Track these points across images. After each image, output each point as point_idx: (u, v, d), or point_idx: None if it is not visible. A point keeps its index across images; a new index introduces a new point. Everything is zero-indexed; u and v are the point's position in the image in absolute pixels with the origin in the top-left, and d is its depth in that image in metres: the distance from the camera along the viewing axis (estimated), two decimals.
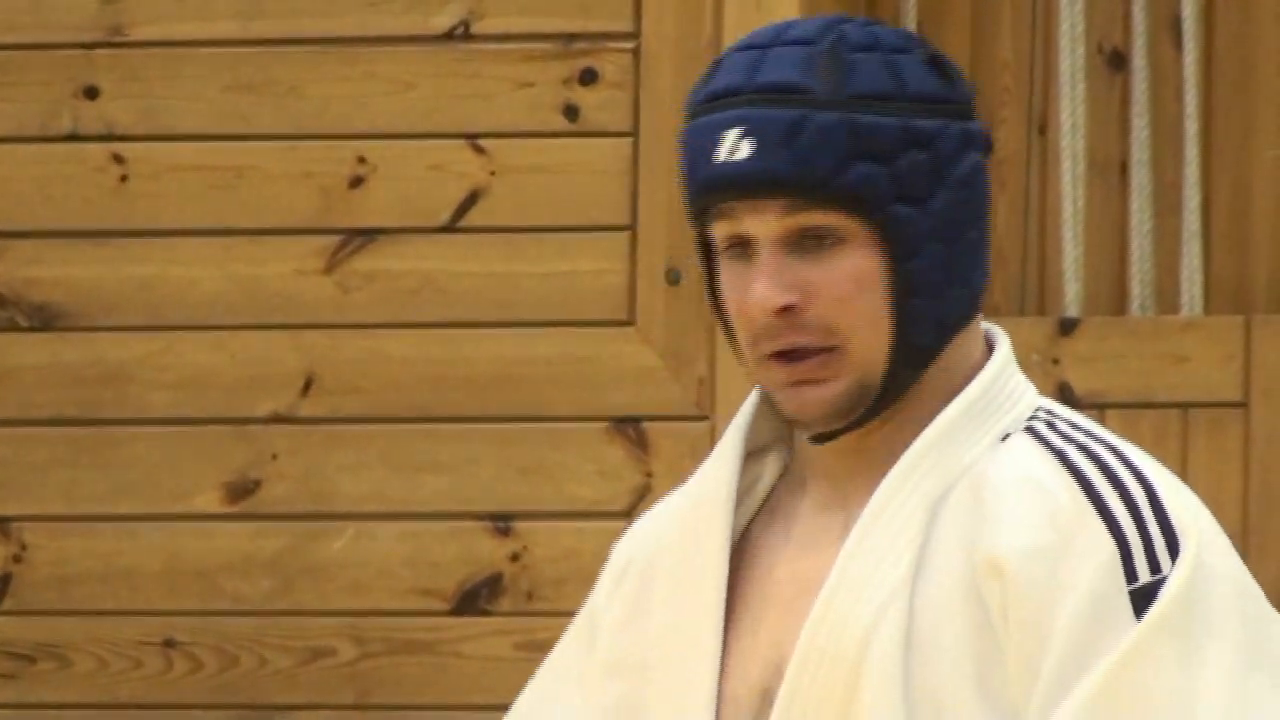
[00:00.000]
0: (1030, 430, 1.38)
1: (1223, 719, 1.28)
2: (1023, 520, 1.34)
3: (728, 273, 1.44)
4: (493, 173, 3.73)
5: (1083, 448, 1.35)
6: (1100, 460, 1.36)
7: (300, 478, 3.73)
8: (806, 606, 1.40)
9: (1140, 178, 3.85)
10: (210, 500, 3.72)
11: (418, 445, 3.71)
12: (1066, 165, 3.83)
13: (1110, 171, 3.88)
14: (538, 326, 3.61)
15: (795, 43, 1.44)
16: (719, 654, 1.47)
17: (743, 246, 1.43)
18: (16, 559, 3.73)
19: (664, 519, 1.57)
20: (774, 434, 1.52)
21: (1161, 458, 3.98)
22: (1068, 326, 3.76)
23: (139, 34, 3.77)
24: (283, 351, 3.74)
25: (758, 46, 1.45)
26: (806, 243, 1.42)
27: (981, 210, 1.48)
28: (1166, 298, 3.81)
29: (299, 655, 3.67)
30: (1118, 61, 3.85)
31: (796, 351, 1.41)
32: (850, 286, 1.41)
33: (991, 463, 1.35)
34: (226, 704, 3.69)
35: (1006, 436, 1.37)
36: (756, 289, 1.41)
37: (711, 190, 1.42)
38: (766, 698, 1.41)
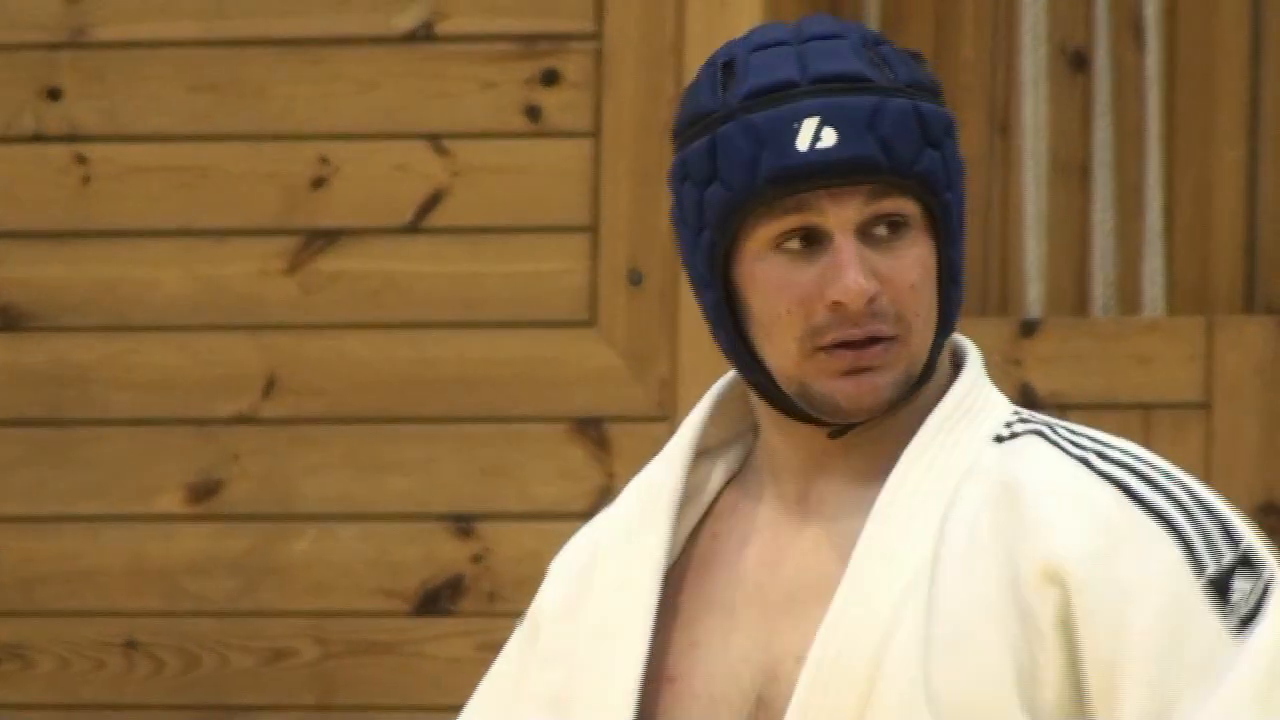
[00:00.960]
0: (1040, 435, 1.40)
1: None
2: (1074, 526, 1.35)
3: (778, 268, 1.44)
4: (455, 173, 3.73)
5: (1101, 454, 1.37)
6: (1125, 464, 1.39)
7: (263, 478, 3.73)
8: (803, 610, 1.41)
9: (1102, 179, 3.87)
10: (173, 501, 3.71)
11: (380, 446, 3.71)
12: (1029, 166, 3.85)
13: (1072, 172, 3.89)
14: (500, 327, 3.61)
15: (827, 37, 1.46)
16: (645, 649, 1.49)
17: (807, 240, 1.44)
18: None
19: (608, 521, 1.57)
20: (730, 435, 1.53)
21: None
22: (1030, 328, 3.76)
23: (102, 35, 3.77)
24: (245, 352, 3.75)
25: (787, 43, 1.47)
26: (877, 231, 1.43)
27: None
28: (1129, 298, 3.81)
29: (261, 656, 3.68)
30: (1080, 62, 3.87)
31: (869, 340, 1.42)
32: (919, 274, 1.44)
33: (1017, 467, 1.37)
34: (189, 704, 3.68)
35: (1002, 439, 1.39)
36: (849, 277, 1.41)
37: (795, 179, 1.41)
38: (763, 703, 1.41)
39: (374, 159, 3.73)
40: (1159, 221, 3.84)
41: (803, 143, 1.40)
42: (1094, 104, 3.85)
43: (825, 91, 1.42)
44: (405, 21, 3.74)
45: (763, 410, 1.50)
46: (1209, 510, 1.36)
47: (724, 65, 1.47)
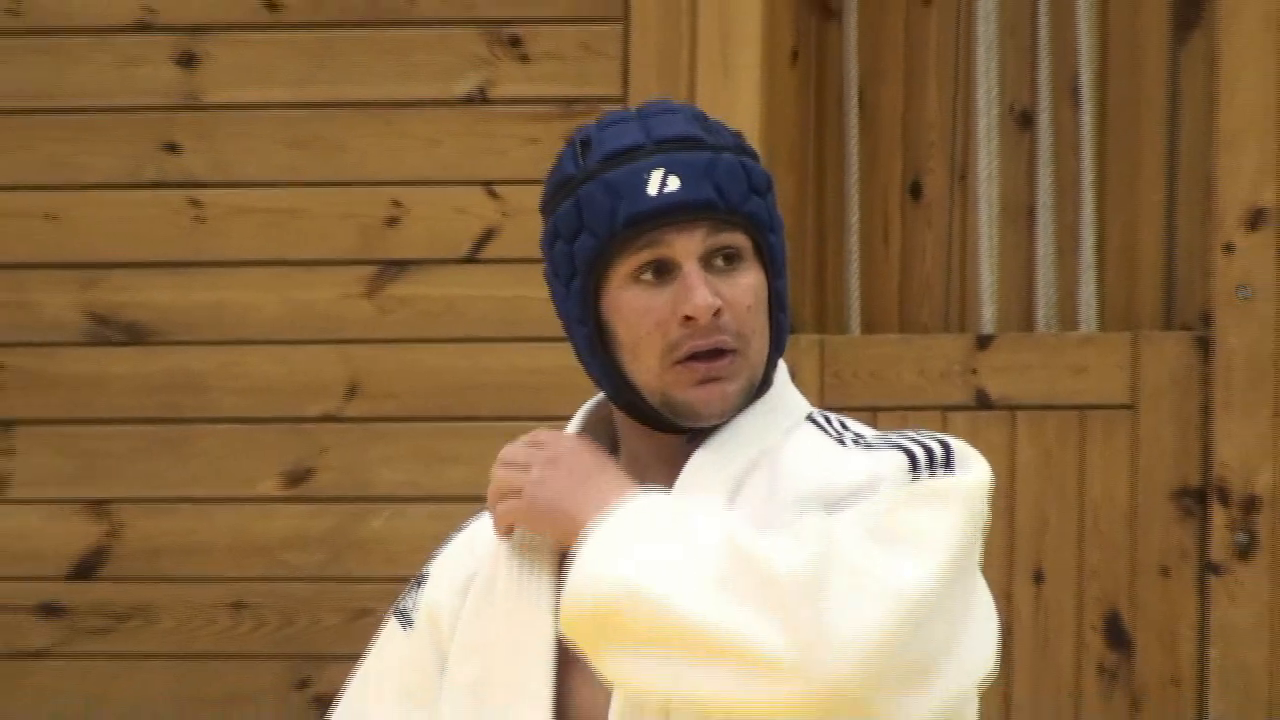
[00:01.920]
0: (811, 420, 1.58)
1: (948, 557, 1.43)
2: (819, 466, 1.53)
3: (638, 297, 1.56)
4: (505, 214, 3.98)
5: (857, 437, 1.55)
6: (859, 437, 1.55)
7: (345, 468, 3.98)
8: None
9: (1045, 219, 4.05)
10: (271, 486, 4.01)
11: (442, 441, 3.95)
12: (983, 208, 4.04)
13: (1020, 214, 4.08)
14: (541, 342, 3.78)
15: (665, 111, 1.60)
16: (554, 633, 1.56)
17: (659, 271, 1.56)
18: (111, 534, 4.00)
19: (489, 525, 1.64)
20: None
21: (1063, 453, 4.35)
22: (984, 342, 3.97)
23: (212, 99, 4.03)
24: (330, 363, 4.01)
25: (631, 119, 1.60)
26: (717, 262, 1.56)
27: None
28: (1067, 317, 4.01)
29: (346, 614, 3.93)
30: (1026, 121, 4.05)
31: (713, 352, 1.55)
32: (751, 297, 1.57)
33: (787, 445, 1.54)
34: (285, 654, 3.96)
35: (789, 430, 1.56)
36: (698, 295, 1.53)
37: (646, 219, 1.53)
38: None
39: (437, 202, 3.98)
40: (1092, 254, 4.02)
41: (652, 189, 1.53)
42: (1037, 156, 4.05)
43: (667, 149, 1.55)
44: (463, 88, 3.98)
45: (626, 425, 1.61)
46: (944, 448, 1.51)
47: (581, 141, 1.59)
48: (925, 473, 1.49)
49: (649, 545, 1.46)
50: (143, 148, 4.09)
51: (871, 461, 1.51)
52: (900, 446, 1.50)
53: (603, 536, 1.47)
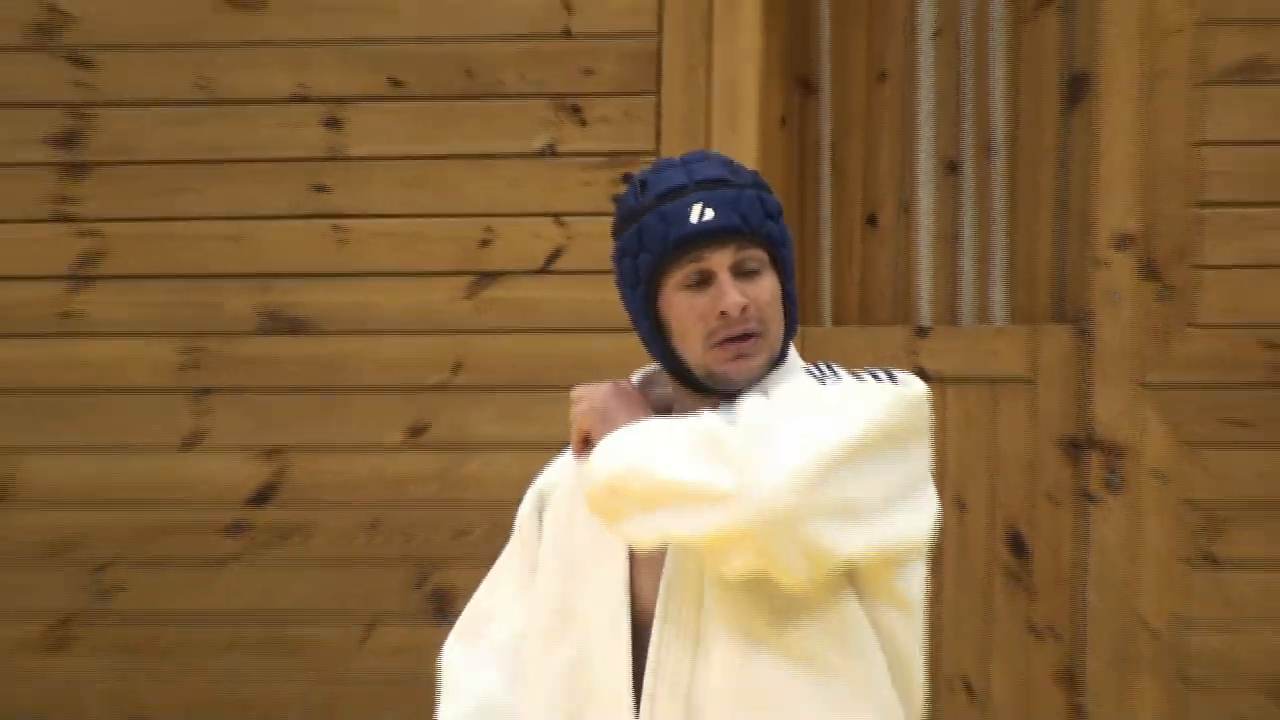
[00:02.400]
0: (807, 371, 1.79)
1: (867, 425, 1.60)
2: (796, 394, 1.69)
3: (685, 299, 1.72)
4: (569, 238, 4.33)
5: (836, 376, 1.73)
6: (835, 371, 1.76)
7: (453, 424, 4.31)
8: None
9: (968, 242, 4.40)
10: (398, 437, 4.34)
11: (525, 405, 4.26)
12: (922, 234, 4.42)
13: (949, 238, 4.41)
14: (597, 332, 4.11)
15: (702, 159, 1.77)
16: (626, 566, 1.75)
17: (701, 279, 1.73)
18: (279, 473, 4.39)
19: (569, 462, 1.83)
20: (652, 400, 1.78)
21: (980, 414, 4.71)
22: (923, 332, 4.35)
23: (352, 151, 4.38)
24: (442, 348, 4.34)
25: (676, 165, 1.76)
26: (743, 270, 1.75)
27: None
28: (984, 314, 4.37)
29: (452, 533, 4.28)
30: (953, 168, 4.40)
31: (744, 336, 1.74)
32: (769, 296, 1.75)
33: (779, 386, 1.75)
34: (410, 558, 4.30)
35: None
36: (730, 295, 1.70)
37: (690, 241, 1.71)
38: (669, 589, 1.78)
39: (519, 228, 4.33)
40: (1003, 268, 4.36)
41: (694, 219, 1.72)
42: (962, 195, 4.39)
43: (705, 188, 1.72)
44: (538, 144, 4.35)
45: (680, 389, 1.82)
46: (888, 374, 1.68)
47: (640, 182, 1.79)
48: (869, 380, 1.72)
49: (644, 439, 1.71)
50: (300, 188, 4.38)
51: (834, 384, 1.73)
52: (857, 374, 1.75)
53: (615, 437, 1.73)
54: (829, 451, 1.65)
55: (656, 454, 1.71)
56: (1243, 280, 4.21)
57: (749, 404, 1.70)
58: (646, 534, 1.72)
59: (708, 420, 1.72)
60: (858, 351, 4.24)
